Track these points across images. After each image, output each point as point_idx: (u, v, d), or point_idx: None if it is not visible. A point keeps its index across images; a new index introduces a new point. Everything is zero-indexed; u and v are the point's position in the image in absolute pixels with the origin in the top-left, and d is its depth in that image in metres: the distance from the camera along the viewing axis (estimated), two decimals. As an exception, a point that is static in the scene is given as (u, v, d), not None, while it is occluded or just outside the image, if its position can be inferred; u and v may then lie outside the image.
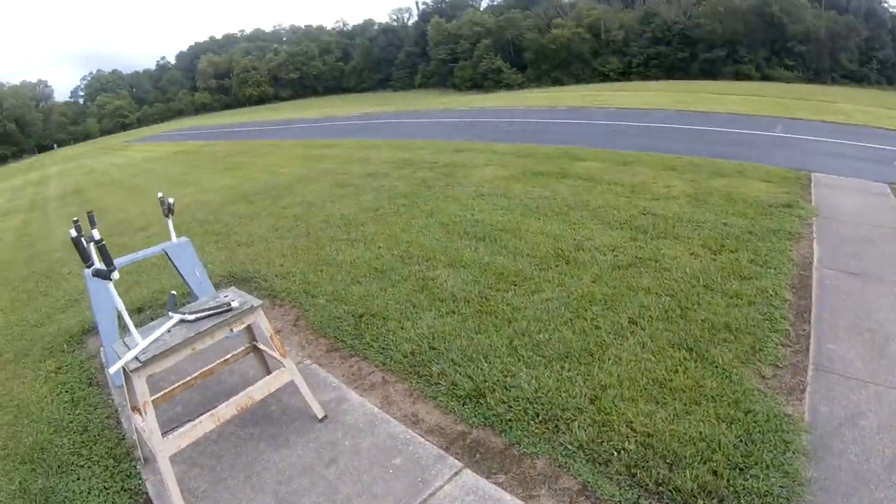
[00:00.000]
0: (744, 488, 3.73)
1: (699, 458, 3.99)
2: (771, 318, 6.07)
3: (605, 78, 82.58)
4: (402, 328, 5.92)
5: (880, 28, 76.90)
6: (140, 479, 4.24)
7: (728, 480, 3.79)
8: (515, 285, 6.79)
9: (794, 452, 4.08)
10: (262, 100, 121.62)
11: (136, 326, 3.67)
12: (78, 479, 4.20)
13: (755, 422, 4.39)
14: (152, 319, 7.15)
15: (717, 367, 5.14)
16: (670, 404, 4.53)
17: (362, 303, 6.54)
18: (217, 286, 6.69)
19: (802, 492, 3.76)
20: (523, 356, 5.26)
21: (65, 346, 6.74)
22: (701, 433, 4.23)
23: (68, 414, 5.16)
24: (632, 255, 7.61)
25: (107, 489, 4.17)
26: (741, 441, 4.16)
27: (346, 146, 21.41)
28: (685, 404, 4.55)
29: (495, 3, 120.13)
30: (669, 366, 5.07)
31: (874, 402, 4.94)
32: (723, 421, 4.38)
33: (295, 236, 9.58)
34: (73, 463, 4.40)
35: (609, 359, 5.04)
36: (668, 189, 10.82)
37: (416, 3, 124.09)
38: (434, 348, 5.50)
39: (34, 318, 7.98)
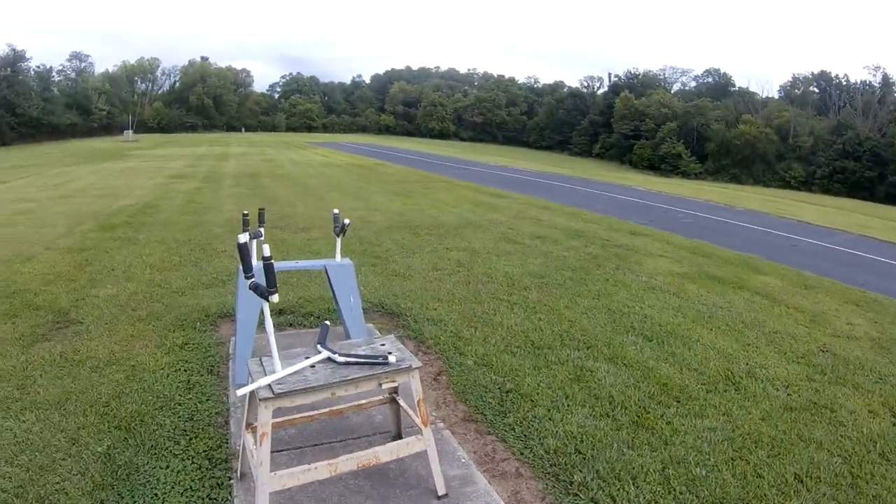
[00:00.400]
0: None
1: None
2: None
3: (785, 184, 77.74)
4: (550, 419, 5.30)
5: None
6: (230, 493, 3.92)
7: None
8: (679, 402, 5.92)
9: None
10: (442, 135, 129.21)
11: (276, 330, 3.40)
12: (167, 467, 4.03)
13: None
14: (291, 326, 7.13)
15: None
16: None
17: (512, 376, 6.00)
18: (365, 312, 6.49)
19: None
20: (675, 489, 4.45)
21: (198, 323, 6.85)
22: None
23: (180, 395, 5.10)
24: (806, 398, 6.45)
25: (192, 491, 3.87)
26: None
27: (518, 200, 21.51)
28: None
29: (686, 88, 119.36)
30: None
31: None
32: None
33: (454, 282, 9.28)
34: (167, 448, 4.25)
35: None
36: (851, 327, 9.24)
37: (609, 74, 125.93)
38: (580, 452, 4.79)
39: (177, 285, 8.31)
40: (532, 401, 5.63)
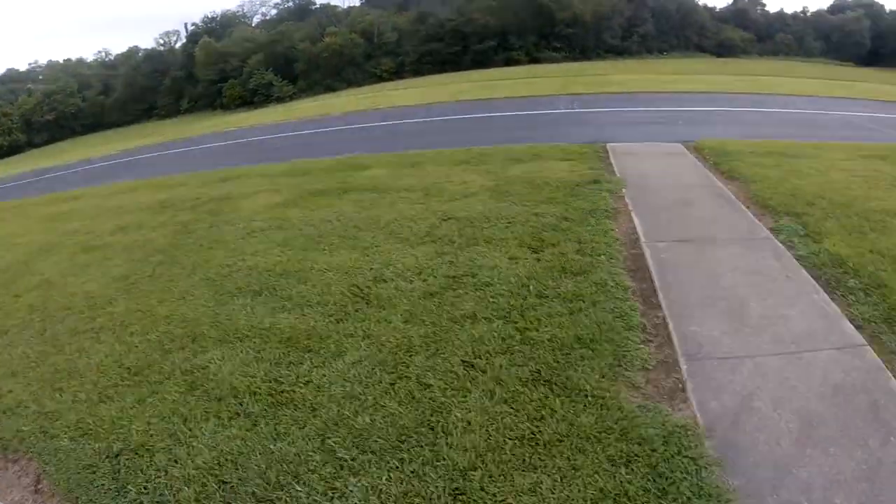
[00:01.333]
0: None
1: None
2: (621, 315, 5.92)
3: (378, 79, 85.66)
4: (175, 461, 4.52)
5: (642, 7, 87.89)
6: None
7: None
8: (311, 351, 5.72)
9: (706, 468, 3.95)
10: (13, 149, 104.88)
11: None
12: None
13: (654, 450, 4.13)
14: None
15: (585, 395, 4.77)
16: (551, 466, 4.04)
17: (117, 432, 5.04)
18: None
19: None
20: (346, 460, 4.26)
21: None
22: (603, 490, 3.82)
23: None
24: (443, 276, 6.94)
25: None
26: (651, 482, 3.89)
27: (96, 194, 18.44)
28: (568, 459, 4.10)
29: (268, 17, 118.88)
30: (531, 413, 4.58)
31: (757, 376, 5.04)
32: (619, 464, 4.04)
33: (28, 339, 7.39)
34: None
35: (456, 428, 4.45)
36: (466, 186, 10.52)
37: (186, 24, 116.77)
38: (225, 482, 4.21)
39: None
40: (148, 450, 4.73)
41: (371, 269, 7.29)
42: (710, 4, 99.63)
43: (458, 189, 10.35)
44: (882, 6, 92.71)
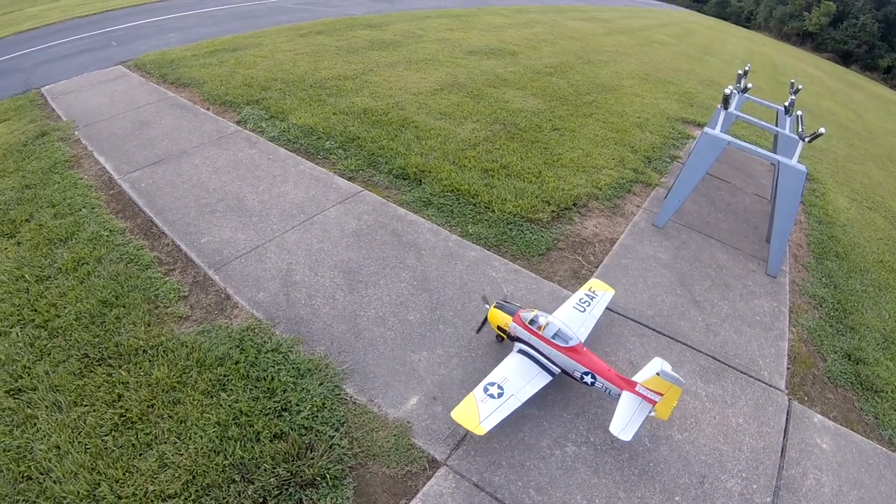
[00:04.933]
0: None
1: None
2: (132, 259, 5.95)
3: None
4: None
5: None
6: None
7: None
8: None
9: (290, 351, 4.69)
10: None
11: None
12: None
13: (236, 363, 4.65)
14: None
15: (143, 351, 4.82)
16: (161, 432, 4.17)
17: None
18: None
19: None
20: None
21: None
22: (221, 422, 4.17)
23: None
24: None
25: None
26: (254, 390, 4.41)
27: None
28: (171, 417, 4.25)
29: None
30: (107, 398, 4.44)
31: (284, 253, 5.94)
32: (216, 392, 4.41)
33: None
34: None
35: (51, 461, 4.07)
36: None
37: None
38: None
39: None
40: None
41: None
42: None
43: None
44: None
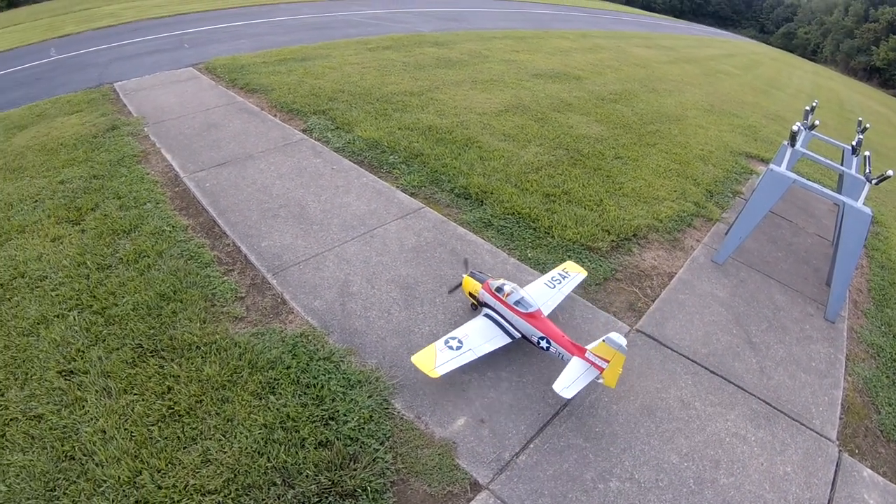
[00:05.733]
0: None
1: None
2: (192, 256, 6.22)
3: None
4: None
5: None
6: None
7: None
8: None
9: (342, 361, 4.89)
10: None
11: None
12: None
13: (288, 368, 4.79)
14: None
15: (197, 347, 5.00)
16: (207, 428, 4.30)
17: None
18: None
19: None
20: None
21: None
22: (267, 424, 4.30)
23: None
24: None
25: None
26: (303, 396, 4.54)
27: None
28: (219, 414, 4.39)
29: None
30: (157, 389, 4.63)
31: (343, 264, 6.15)
32: (265, 394, 4.55)
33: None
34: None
35: (96, 444, 4.26)
36: None
37: None
38: None
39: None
40: None
41: None
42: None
43: None
44: None
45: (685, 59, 28.33)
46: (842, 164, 8.81)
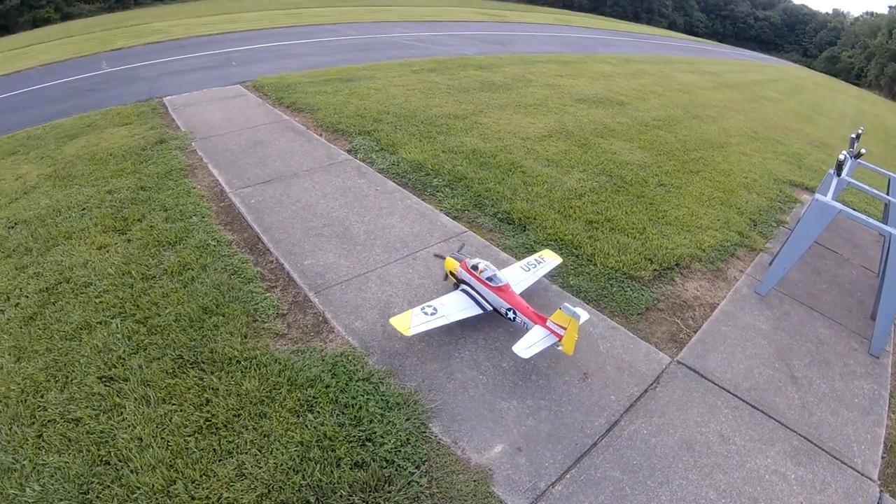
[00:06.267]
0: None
1: None
2: (236, 271, 6.38)
3: None
4: None
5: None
6: None
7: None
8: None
9: (381, 382, 4.97)
10: None
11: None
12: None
13: (327, 387, 4.85)
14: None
15: (237, 361, 5.12)
16: (243, 442, 4.39)
17: None
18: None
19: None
20: None
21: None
22: (304, 442, 4.37)
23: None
24: (34, 292, 6.35)
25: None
26: (341, 416, 4.60)
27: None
28: (255, 429, 4.47)
29: None
30: (195, 400, 4.75)
31: (385, 285, 6.24)
32: (303, 412, 4.59)
33: None
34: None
35: (131, 450, 4.38)
36: (22, 180, 9.39)
37: None
38: None
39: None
40: None
41: None
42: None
43: (15, 186, 9.05)
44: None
45: (728, 84, 28.25)
46: (887, 193, 8.74)
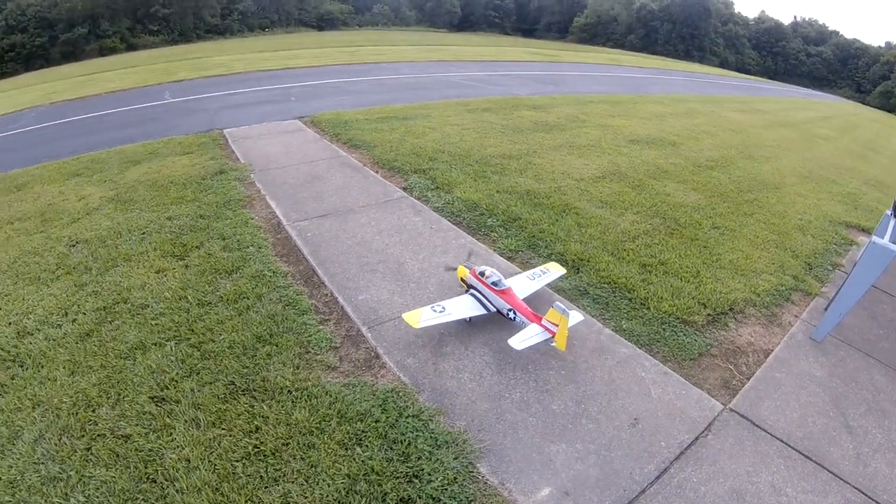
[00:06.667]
0: None
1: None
2: (290, 302, 6.53)
3: None
4: None
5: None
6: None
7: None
8: None
9: (431, 420, 4.99)
10: None
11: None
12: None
13: (377, 421, 4.91)
14: None
15: (288, 391, 5.23)
16: (290, 471, 4.48)
17: None
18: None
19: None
20: None
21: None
22: (350, 475, 4.42)
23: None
24: (91, 310, 6.79)
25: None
26: (389, 451, 4.65)
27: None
28: (303, 459, 4.57)
29: None
30: (245, 426, 4.88)
31: (432, 325, 6.16)
32: (352, 445, 4.66)
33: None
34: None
35: (178, 470, 4.51)
36: (85, 201, 9.81)
37: None
38: None
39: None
40: None
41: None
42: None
43: (78, 206, 9.53)
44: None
45: (781, 122, 27.92)
46: (945, 235, 8.46)
